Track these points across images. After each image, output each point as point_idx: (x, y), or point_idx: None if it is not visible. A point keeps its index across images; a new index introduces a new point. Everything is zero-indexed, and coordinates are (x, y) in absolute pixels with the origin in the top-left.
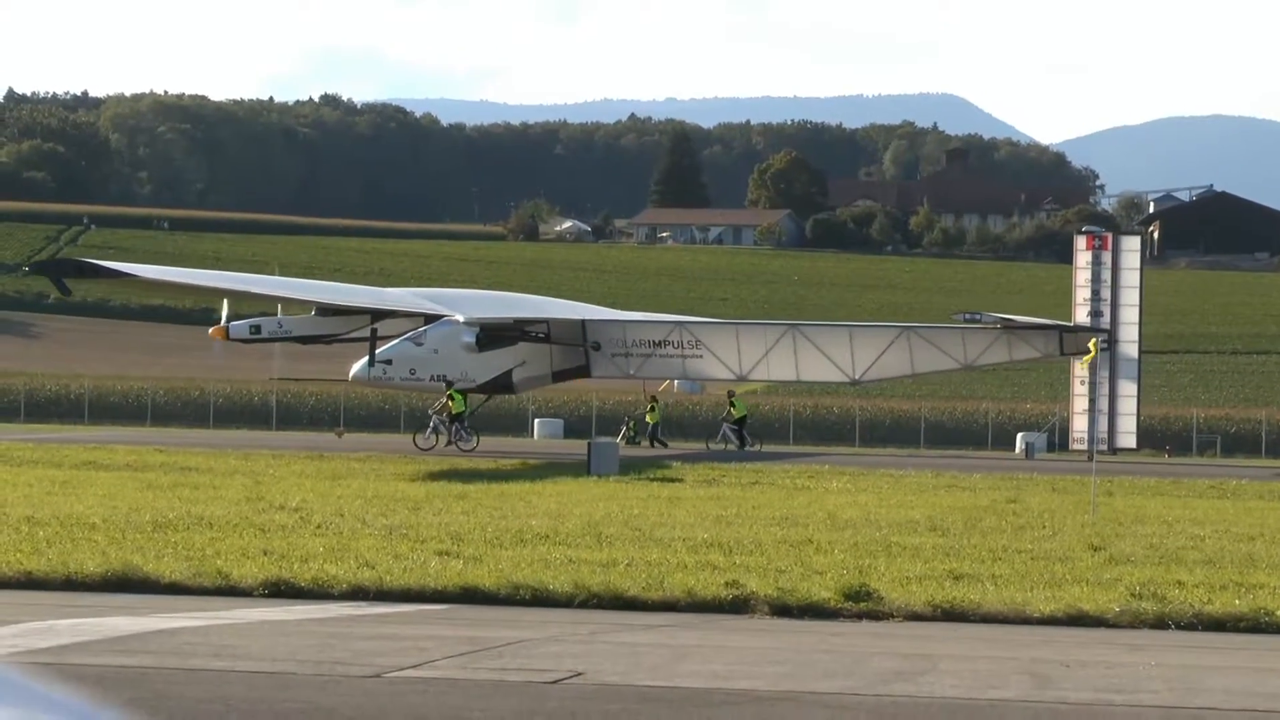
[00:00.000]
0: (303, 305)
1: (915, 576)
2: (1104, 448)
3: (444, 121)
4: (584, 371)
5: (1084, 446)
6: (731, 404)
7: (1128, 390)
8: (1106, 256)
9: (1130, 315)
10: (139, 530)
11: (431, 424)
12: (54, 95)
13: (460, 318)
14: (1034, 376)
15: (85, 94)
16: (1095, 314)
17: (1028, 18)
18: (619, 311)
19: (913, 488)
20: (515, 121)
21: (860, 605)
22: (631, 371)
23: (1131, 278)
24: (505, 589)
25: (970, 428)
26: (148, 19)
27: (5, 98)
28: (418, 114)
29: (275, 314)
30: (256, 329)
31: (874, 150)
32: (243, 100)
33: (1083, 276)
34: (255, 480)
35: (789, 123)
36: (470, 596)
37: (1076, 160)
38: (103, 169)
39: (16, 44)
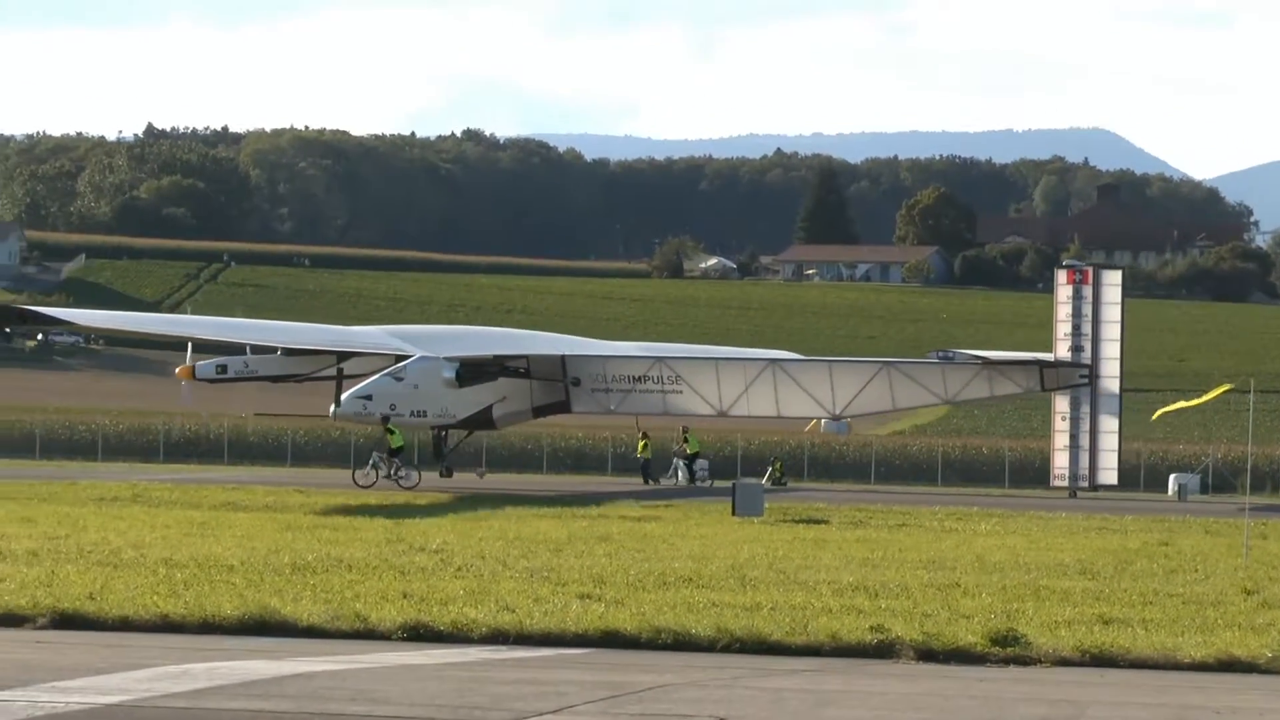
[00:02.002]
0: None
1: (1064, 621)
2: (1085, 484)
3: (587, 156)
4: (565, 407)
5: (1064, 483)
6: (685, 439)
7: (1109, 426)
8: (1087, 291)
9: (1111, 350)
10: (277, 572)
11: (371, 460)
12: (194, 130)
13: (418, 354)
14: (1190, 418)
15: (225, 129)
16: (1076, 349)
17: (1181, 51)
18: (599, 345)
19: (1063, 530)
20: (660, 157)
21: (1007, 650)
22: (612, 407)
23: (1113, 312)
24: (647, 633)
25: (1122, 469)
26: (289, 54)
27: (145, 133)
28: (561, 149)
29: (243, 354)
30: (223, 369)
31: (1024, 186)
32: (384, 135)
33: (1063, 311)
34: (395, 522)
35: (937, 158)
36: (611, 640)
37: (1231, 196)
38: (243, 205)
39: (157, 79)
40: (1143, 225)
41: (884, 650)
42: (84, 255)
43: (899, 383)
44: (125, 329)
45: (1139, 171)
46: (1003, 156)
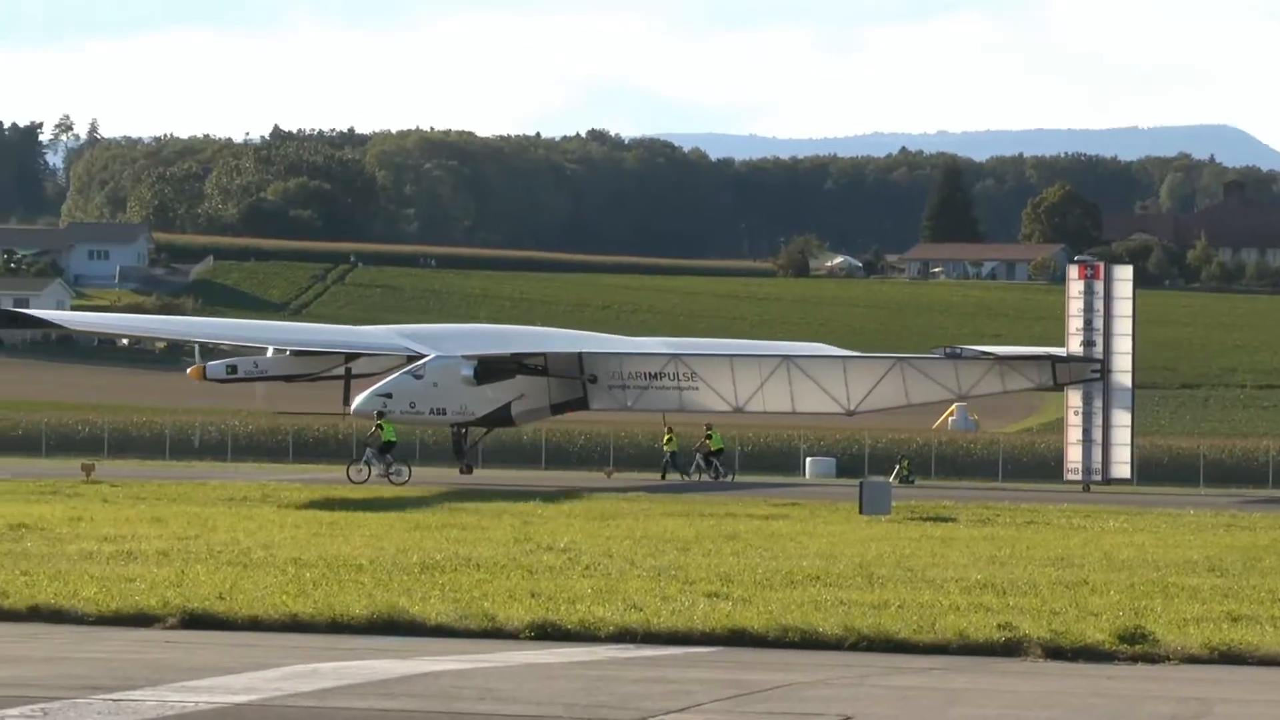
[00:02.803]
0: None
1: (1192, 618)
2: (1098, 478)
3: (712, 156)
4: (582, 404)
5: (1078, 477)
6: (708, 436)
7: (1122, 420)
8: (1099, 286)
9: (1124, 345)
10: (406, 572)
11: (365, 456)
12: (320, 132)
13: (434, 354)
14: None
15: (351, 131)
16: (1088, 344)
17: None
18: (615, 342)
19: (1191, 527)
20: (785, 156)
21: (1135, 648)
22: (629, 404)
23: (1124, 307)
24: (774, 631)
25: (1250, 465)
26: (415, 56)
27: (272, 135)
28: (686, 149)
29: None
30: (233, 369)
31: (1149, 183)
32: (510, 136)
33: (1075, 306)
34: (524, 521)
35: (1063, 155)
36: (738, 639)
37: None
38: (369, 206)
39: (283, 81)
40: (1269, 222)
41: (1011, 648)
42: (212, 257)
43: (912, 378)
44: (118, 331)
45: (1265, 168)
46: (1128, 154)
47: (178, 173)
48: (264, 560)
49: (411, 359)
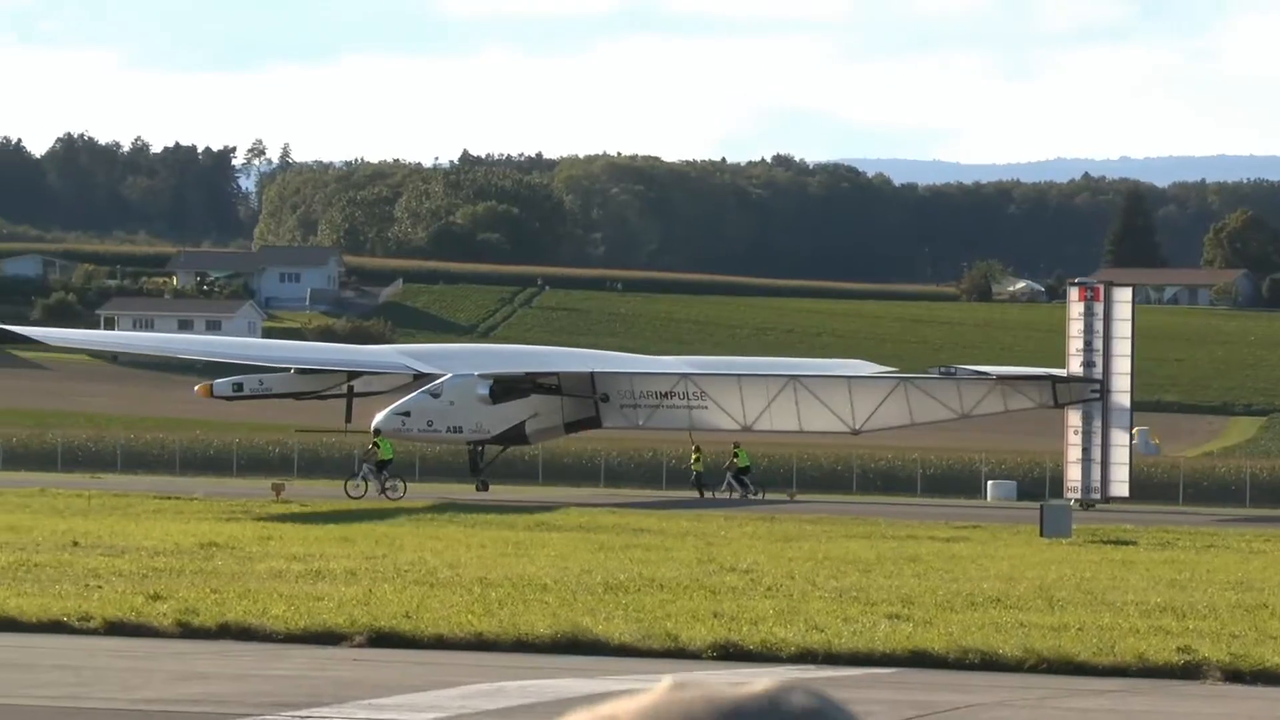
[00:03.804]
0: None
1: None
2: (1097, 496)
3: (896, 181)
4: (595, 422)
5: (1078, 495)
6: (735, 454)
7: (1120, 440)
8: (1099, 307)
9: (1123, 365)
10: (590, 592)
11: (361, 472)
12: (508, 157)
13: (476, 373)
14: None
15: (539, 155)
16: (1088, 364)
17: None
18: (626, 360)
19: None
20: (968, 181)
21: None
22: (640, 422)
23: (1124, 328)
24: (954, 653)
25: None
26: (601, 82)
27: (461, 160)
28: (869, 174)
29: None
30: (239, 386)
31: None
32: (695, 161)
33: (1075, 327)
34: (707, 542)
35: (1245, 181)
36: (919, 660)
37: None
38: (556, 230)
39: (472, 106)
40: None
41: (1191, 671)
42: (401, 280)
43: (916, 398)
44: (98, 347)
45: None
46: None
47: (368, 196)
48: (450, 579)
49: (419, 377)
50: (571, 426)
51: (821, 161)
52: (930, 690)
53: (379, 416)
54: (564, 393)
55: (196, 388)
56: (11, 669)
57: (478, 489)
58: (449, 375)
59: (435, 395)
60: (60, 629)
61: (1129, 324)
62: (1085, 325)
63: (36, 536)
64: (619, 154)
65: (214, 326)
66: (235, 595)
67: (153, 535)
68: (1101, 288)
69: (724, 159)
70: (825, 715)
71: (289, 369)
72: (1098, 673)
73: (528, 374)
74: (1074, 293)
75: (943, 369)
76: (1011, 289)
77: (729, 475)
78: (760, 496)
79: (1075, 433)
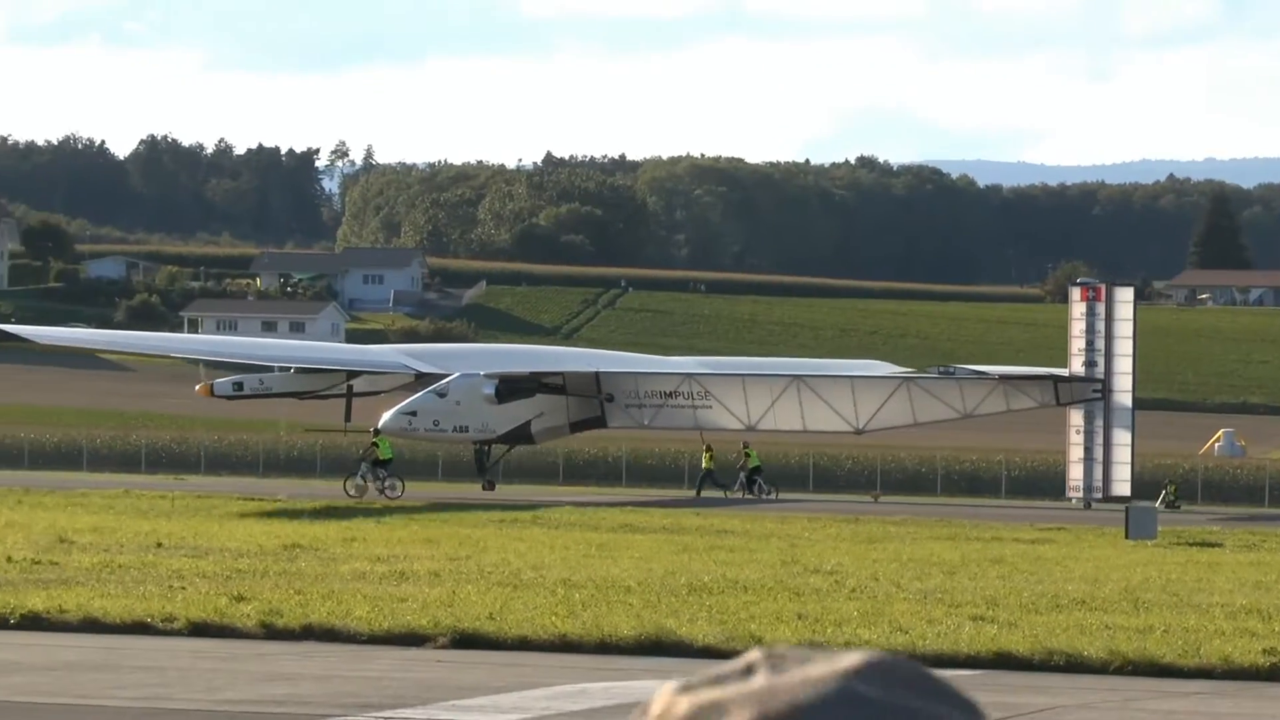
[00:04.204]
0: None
1: None
2: (1099, 496)
3: (980, 183)
4: (600, 422)
5: (1080, 495)
6: (746, 453)
7: (1122, 439)
8: (1100, 307)
9: (1124, 365)
10: (673, 593)
11: (360, 471)
12: (592, 158)
13: (482, 372)
14: None
15: (623, 157)
16: (1090, 364)
17: None
18: (630, 360)
19: None
20: (1052, 183)
21: None
22: (645, 422)
23: (1125, 328)
24: (1039, 655)
25: None
26: (685, 83)
27: (544, 161)
28: (954, 175)
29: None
30: (239, 385)
31: None
32: (779, 163)
33: (1077, 327)
34: (791, 543)
35: None
36: (1004, 662)
37: None
38: (639, 232)
39: (556, 108)
40: None
41: (1276, 673)
42: (484, 282)
43: (919, 398)
44: (87, 347)
45: None
46: None
47: (451, 198)
48: (534, 581)
49: (420, 377)
50: (577, 426)
51: (906, 163)
52: (1015, 692)
53: (385, 416)
54: (569, 392)
55: (197, 387)
56: (97, 670)
57: (484, 488)
58: (456, 375)
59: (441, 395)
60: (145, 630)
61: (1130, 324)
62: (1087, 325)
63: (121, 538)
64: (702, 155)
65: (297, 328)
66: (319, 596)
67: (236, 536)
68: (1103, 288)
69: (807, 160)
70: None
71: (290, 368)
72: (1182, 675)
73: (533, 374)
74: (1076, 293)
75: (942, 369)
76: None
77: (742, 475)
78: (774, 496)
79: (1077, 432)
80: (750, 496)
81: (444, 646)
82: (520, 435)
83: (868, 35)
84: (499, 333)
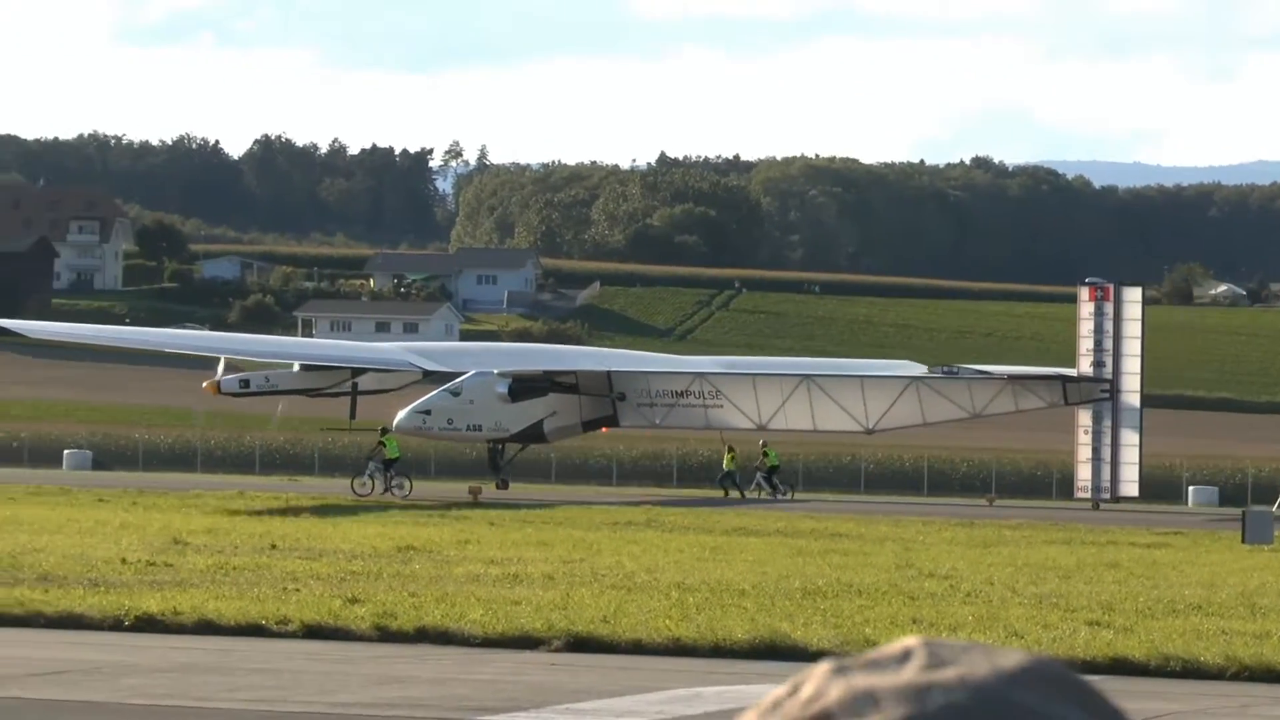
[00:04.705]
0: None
1: None
2: (1106, 496)
3: (1096, 184)
4: (612, 421)
5: (1088, 495)
6: (765, 453)
7: (1129, 439)
8: (1109, 307)
9: (1132, 365)
10: (788, 597)
11: (368, 470)
12: (705, 159)
13: (495, 370)
14: None
15: (737, 157)
16: (1098, 364)
17: None
18: (642, 359)
19: None
20: (1168, 184)
21: None
22: (657, 421)
23: (1133, 328)
24: (1155, 660)
25: None
26: (799, 83)
27: (658, 161)
28: (1069, 176)
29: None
30: (245, 383)
31: None
32: (893, 163)
33: (1086, 327)
34: (905, 547)
35: None
36: (1120, 668)
37: None
38: (753, 233)
39: (670, 108)
40: None
41: None
42: (598, 283)
43: (928, 397)
44: (80, 341)
45: None
46: None
47: (565, 199)
48: (647, 584)
49: (428, 375)
50: (589, 425)
51: (1021, 164)
52: (1131, 698)
53: (400, 414)
54: (581, 391)
55: (205, 384)
56: (211, 672)
57: (497, 487)
58: (470, 373)
59: (455, 394)
60: (259, 632)
61: (1139, 324)
62: (1095, 325)
63: (235, 539)
64: (816, 156)
65: (411, 329)
66: (433, 599)
67: (350, 538)
68: (1111, 288)
69: (922, 161)
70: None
71: (294, 365)
72: None
73: (546, 372)
74: (1084, 293)
75: (946, 368)
76: (1213, 292)
77: (759, 475)
78: (789, 496)
79: (1085, 432)
80: (767, 496)
81: (558, 650)
82: (533, 434)
83: (982, 35)
84: (612, 334)
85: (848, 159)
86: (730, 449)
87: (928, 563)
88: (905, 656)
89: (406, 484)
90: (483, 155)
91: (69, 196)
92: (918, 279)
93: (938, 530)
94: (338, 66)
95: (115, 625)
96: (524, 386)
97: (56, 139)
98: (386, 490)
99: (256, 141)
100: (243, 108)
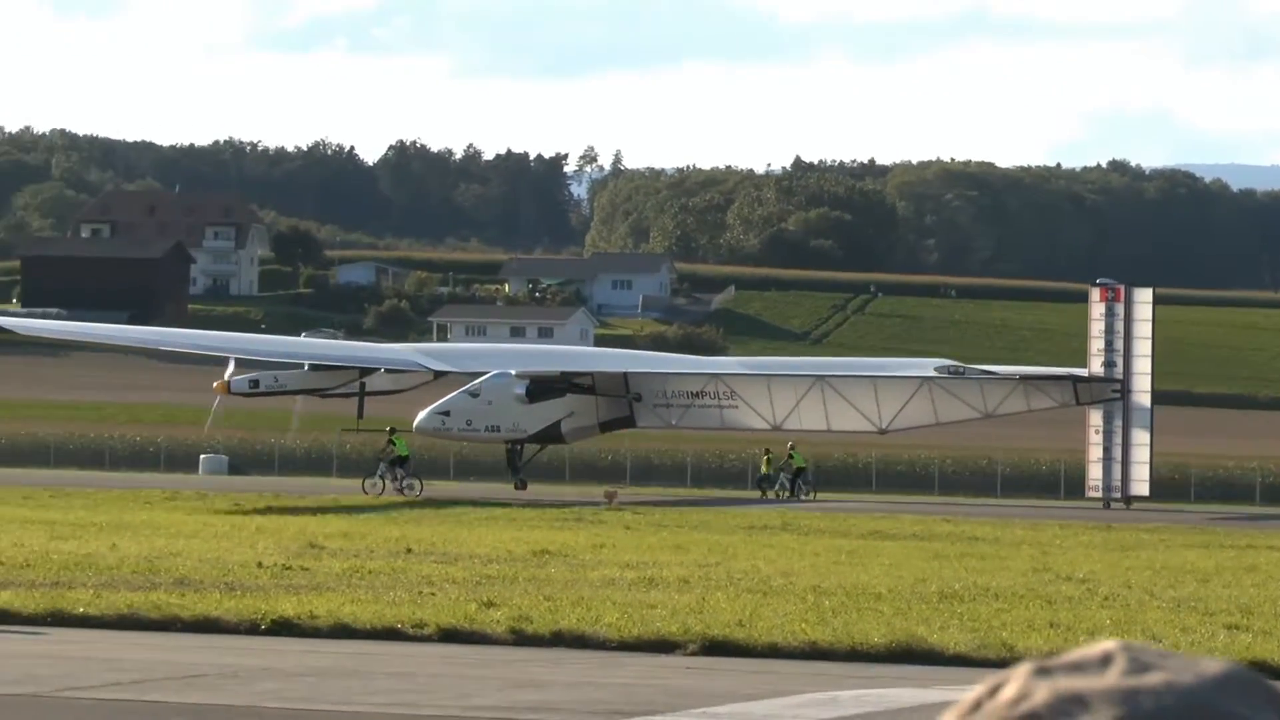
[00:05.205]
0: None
1: None
2: (1118, 496)
3: (1234, 187)
4: (629, 422)
5: (1099, 494)
6: (790, 455)
7: (1140, 439)
8: (1119, 308)
9: (1143, 365)
10: (924, 601)
11: (379, 470)
12: (840, 163)
13: (513, 371)
14: None
15: (872, 162)
16: (1109, 364)
17: None
18: (658, 359)
19: None
20: None
21: None
22: (673, 421)
23: (1144, 329)
24: None
25: None
26: (933, 87)
27: (793, 165)
28: (1207, 179)
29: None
30: (255, 383)
31: None
32: (1029, 167)
33: (1096, 328)
34: (1042, 551)
35: None
36: (1259, 671)
37: None
38: (889, 237)
39: (805, 113)
40: None
41: None
42: (733, 287)
43: (940, 398)
44: (73, 338)
45: None
46: None
47: (700, 203)
48: (783, 588)
49: (439, 376)
50: (606, 426)
51: (1158, 167)
52: None
53: (421, 415)
54: (598, 392)
55: (215, 384)
56: (347, 676)
57: (516, 487)
58: (489, 375)
59: (474, 395)
60: (394, 636)
61: (1149, 324)
62: (1106, 326)
63: (370, 543)
64: (952, 160)
65: (546, 334)
66: (568, 603)
67: (485, 542)
68: (1122, 289)
69: (1058, 164)
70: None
71: (303, 365)
72: None
73: (563, 374)
74: (1095, 293)
75: (952, 369)
76: None
77: (783, 476)
78: (811, 497)
79: (1096, 432)
80: (787, 497)
81: (693, 653)
82: (551, 435)
83: (1117, 38)
84: (748, 338)
85: (983, 163)
86: (768, 451)
87: (1064, 566)
88: (1106, 660)
89: (416, 484)
90: (617, 160)
91: (205, 203)
92: (1054, 282)
93: (1075, 534)
94: (472, 72)
95: (251, 629)
96: (542, 388)
97: (192, 145)
98: (398, 490)
99: (391, 147)
100: (378, 113)
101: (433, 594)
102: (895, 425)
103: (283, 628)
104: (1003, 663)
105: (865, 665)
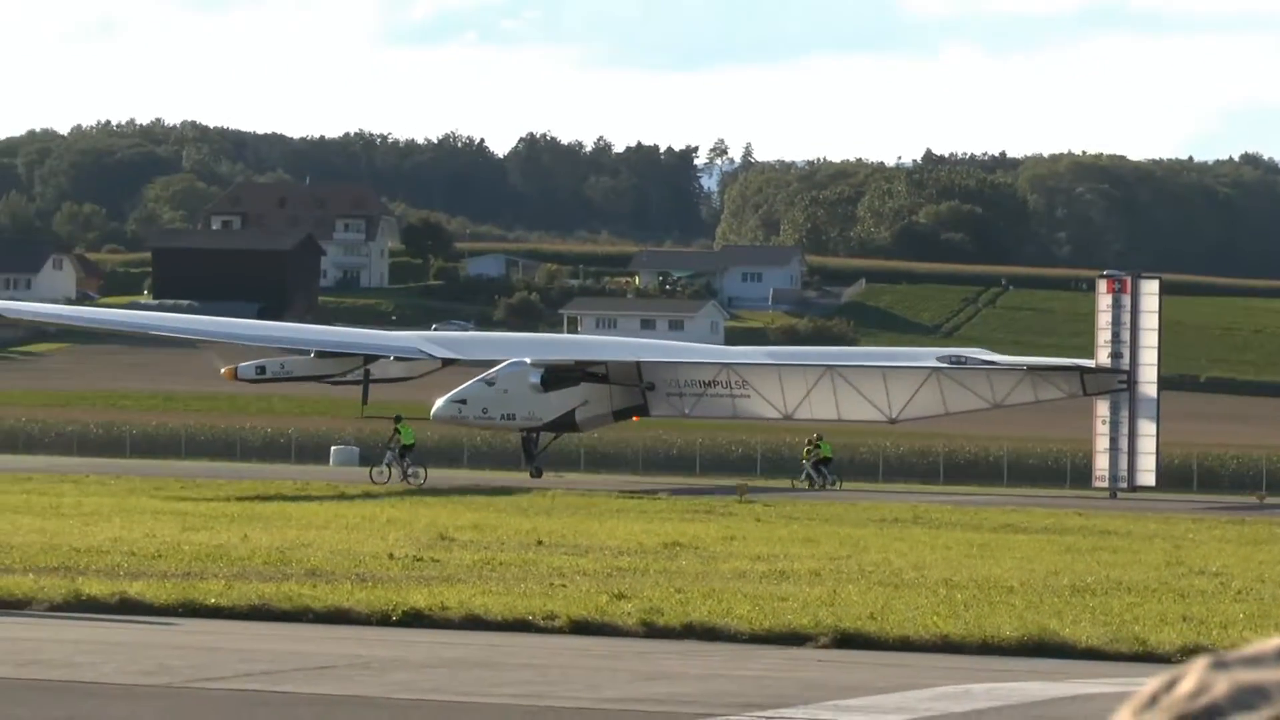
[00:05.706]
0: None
1: None
2: (1124, 485)
3: None
4: (642, 411)
5: (1105, 484)
6: (818, 445)
7: (1147, 429)
8: (1126, 299)
9: (1149, 356)
10: (1056, 594)
11: (386, 458)
12: (972, 156)
13: (528, 360)
14: None
15: (1003, 154)
16: (1115, 355)
17: None
18: (671, 349)
19: None
20: None
21: None
22: (686, 411)
23: (1150, 320)
24: None
25: None
26: (1065, 80)
27: (924, 159)
28: None
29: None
30: (261, 369)
31: None
32: (1162, 160)
33: (1104, 319)
34: (1175, 544)
35: None
36: None
37: None
38: (1020, 230)
39: (936, 106)
40: None
41: None
42: (864, 280)
43: (949, 388)
44: (80, 324)
45: None
46: None
47: (830, 196)
48: (915, 581)
49: (447, 364)
50: (620, 415)
51: None
52: None
53: (438, 403)
54: (612, 381)
55: (222, 370)
56: (478, 667)
57: (532, 475)
58: (505, 363)
59: (490, 383)
60: (525, 627)
61: (1155, 315)
62: (1113, 317)
63: (501, 535)
64: (1084, 153)
65: (676, 326)
66: (699, 595)
67: (616, 535)
68: (1129, 280)
69: (1191, 157)
70: None
71: (309, 352)
72: None
73: (578, 363)
74: (1102, 284)
75: (954, 359)
76: None
77: (808, 465)
78: (837, 486)
79: (1103, 422)
80: (809, 486)
81: (825, 646)
82: (566, 423)
83: (1252, 30)
84: (878, 331)
85: (1115, 155)
86: (809, 443)
87: (1197, 560)
88: None
89: (421, 472)
90: (748, 153)
91: (335, 195)
92: (1187, 275)
93: (1208, 528)
94: (602, 65)
95: (383, 620)
96: (556, 376)
97: (322, 138)
98: (404, 478)
99: (521, 139)
100: (507, 106)
101: (564, 586)
102: (905, 415)
103: (414, 619)
104: (1135, 657)
105: (997, 659)
